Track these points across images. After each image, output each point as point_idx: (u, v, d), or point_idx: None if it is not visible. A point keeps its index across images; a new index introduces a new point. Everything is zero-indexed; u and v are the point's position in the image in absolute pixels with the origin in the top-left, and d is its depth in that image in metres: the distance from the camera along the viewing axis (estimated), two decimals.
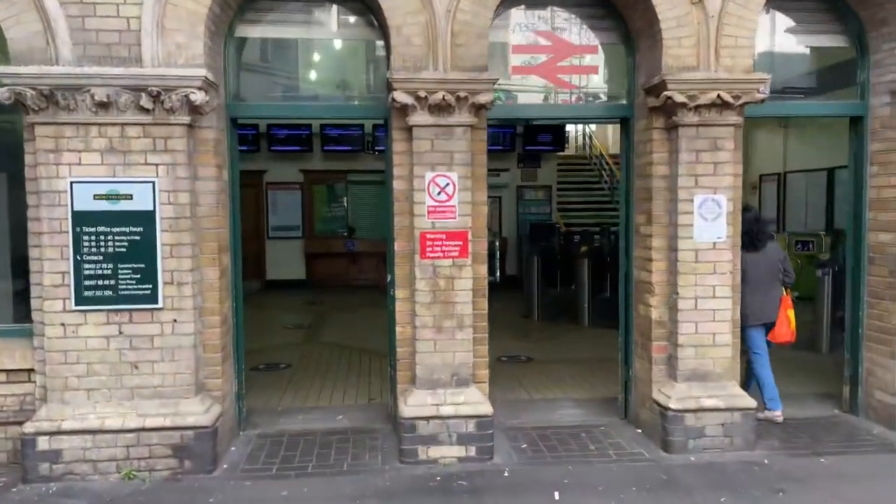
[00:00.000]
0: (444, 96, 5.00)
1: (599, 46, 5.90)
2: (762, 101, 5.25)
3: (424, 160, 5.18)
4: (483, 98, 5.08)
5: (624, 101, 5.88)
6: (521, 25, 5.84)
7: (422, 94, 5.02)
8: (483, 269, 5.43)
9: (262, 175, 15.53)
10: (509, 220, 16.12)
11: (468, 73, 5.07)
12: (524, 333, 10.14)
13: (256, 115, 5.67)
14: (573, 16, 5.84)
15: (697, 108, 5.21)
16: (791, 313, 6.02)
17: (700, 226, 5.32)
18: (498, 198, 16.14)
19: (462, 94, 5.05)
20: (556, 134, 15.76)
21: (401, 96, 5.03)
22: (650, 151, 5.49)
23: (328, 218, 15.68)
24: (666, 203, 5.46)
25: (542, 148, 15.82)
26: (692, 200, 5.30)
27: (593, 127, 21.42)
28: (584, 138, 22.10)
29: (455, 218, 5.22)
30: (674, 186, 5.37)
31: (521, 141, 15.68)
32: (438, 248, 5.21)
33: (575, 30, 5.87)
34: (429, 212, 5.20)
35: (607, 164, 18.99)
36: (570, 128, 18.89)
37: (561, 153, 18.00)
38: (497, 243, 13.40)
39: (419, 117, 5.12)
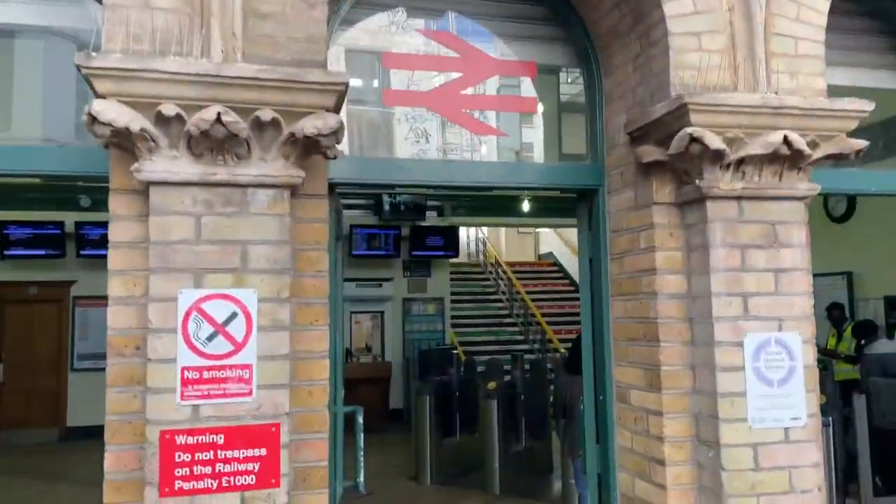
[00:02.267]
0: (220, 115, 2.17)
1: (537, 66, 3.33)
2: (858, 154, 2.78)
3: (176, 261, 2.25)
4: (314, 125, 2.27)
5: (585, 161, 3.28)
6: (403, 23, 3.20)
7: (169, 109, 2.16)
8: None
9: (67, 287, 11.83)
10: (394, 341, 13.15)
11: (281, 69, 2.28)
12: None
13: None
14: (494, 14, 3.28)
15: (741, 163, 2.67)
16: None
17: (758, 394, 2.65)
18: (380, 313, 13.21)
19: (267, 117, 2.24)
20: (448, 237, 13.25)
21: (116, 113, 2.14)
22: (649, 247, 2.84)
23: None
24: (687, 348, 2.78)
25: (433, 253, 13.20)
26: (740, 344, 2.65)
27: (486, 230, 19.33)
28: (476, 244, 19.92)
29: (250, 395, 2.26)
30: (701, 315, 2.72)
31: (406, 245, 13.04)
32: (206, 470, 2.20)
33: (496, 38, 3.30)
34: (184, 381, 2.21)
35: (504, 273, 16.70)
36: (461, 231, 16.62)
37: (454, 260, 15.54)
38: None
39: (164, 164, 2.24)
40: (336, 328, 2.98)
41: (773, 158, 2.68)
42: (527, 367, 8.52)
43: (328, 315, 2.53)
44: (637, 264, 2.92)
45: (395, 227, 12.83)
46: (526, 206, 12.67)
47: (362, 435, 3.21)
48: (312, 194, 2.51)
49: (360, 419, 3.23)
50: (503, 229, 21.05)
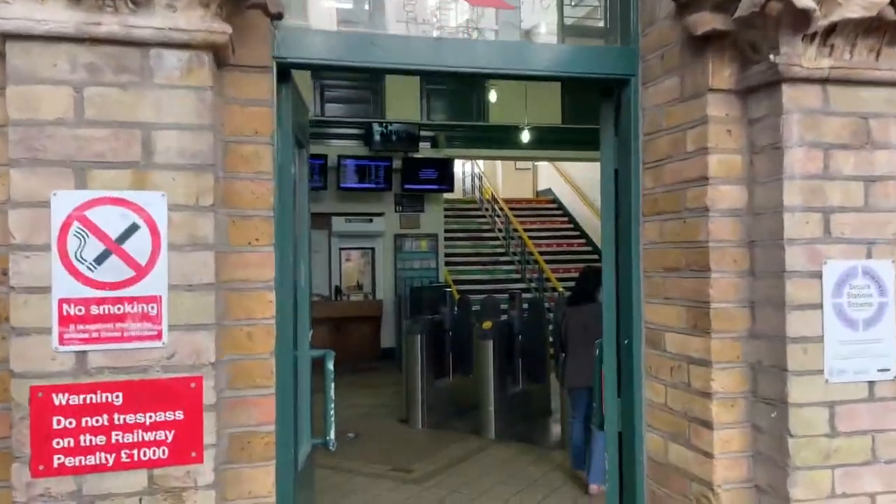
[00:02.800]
0: None
1: None
2: None
3: (47, 149, 1.58)
4: None
5: (614, 41, 2.58)
6: None
7: None
8: (269, 481, 1.87)
9: None
10: (385, 278, 12.61)
11: None
12: (403, 460, 6.52)
13: None
14: None
15: (830, 33, 1.99)
16: None
17: (838, 339, 2.04)
18: (371, 249, 12.62)
19: None
20: (442, 170, 12.52)
21: None
22: (699, 150, 2.17)
23: None
24: (745, 280, 2.15)
25: (426, 187, 12.50)
26: (818, 275, 2.03)
27: (482, 164, 18.58)
28: (472, 180, 19.20)
29: (159, 338, 1.64)
30: (767, 237, 2.08)
31: (398, 178, 12.33)
32: (99, 440, 1.60)
33: None
34: (64, 319, 1.59)
35: (501, 209, 16.04)
36: (457, 165, 15.81)
37: (448, 194, 14.90)
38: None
39: (24, 7, 1.54)
40: (299, 252, 2.35)
41: (871, 28, 1.99)
42: (525, 306, 7.97)
43: (274, 232, 1.88)
44: (681, 173, 2.26)
45: (387, 158, 12.11)
46: (526, 136, 11.90)
47: (333, 385, 2.62)
48: (249, 66, 1.82)
49: (331, 365, 2.63)
50: (500, 165, 20.31)
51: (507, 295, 8.04)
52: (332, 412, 2.67)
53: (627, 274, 2.52)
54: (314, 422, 2.71)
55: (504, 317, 7.94)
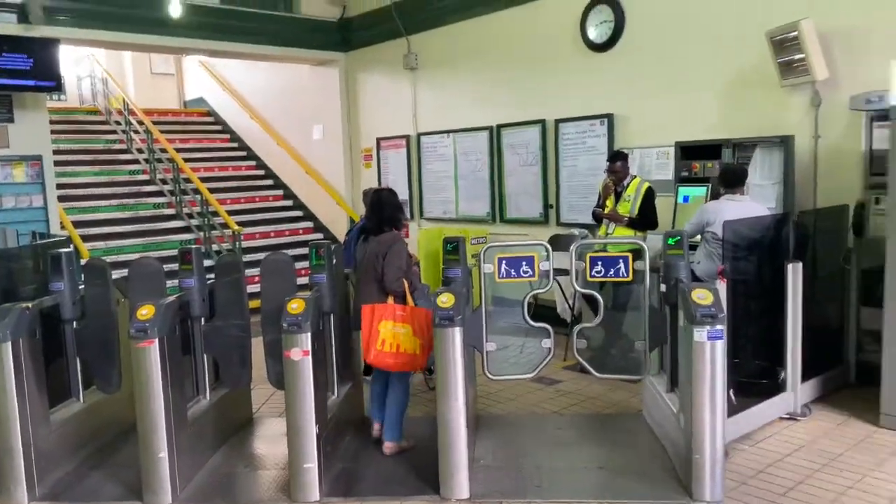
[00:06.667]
0: None
1: None
2: None
3: None
4: None
5: None
6: None
7: None
8: None
9: None
10: None
11: None
12: None
13: None
14: None
15: None
16: (389, 329, 4.19)
17: None
18: None
19: None
20: (41, 58, 8.04)
21: None
22: None
23: None
24: None
25: (15, 82, 7.92)
26: None
27: (103, 61, 13.88)
28: (92, 84, 14.30)
29: None
30: None
31: None
32: None
33: None
34: None
35: (140, 122, 11.90)
36: (69, 64, 11.02)
37: (57, 101, 10.30)
38: None
39: None
40: None
41: None
42: (210, 262, 4.88)
43: None
44: None
45: None
46: (176, 9, 8.12)
47: None
48: None
49: None
50: (130, 68, 15.63)
51: (177, 251, 4.83)
52: None
53: None
54: None
55: (175, 284, 4.76)
